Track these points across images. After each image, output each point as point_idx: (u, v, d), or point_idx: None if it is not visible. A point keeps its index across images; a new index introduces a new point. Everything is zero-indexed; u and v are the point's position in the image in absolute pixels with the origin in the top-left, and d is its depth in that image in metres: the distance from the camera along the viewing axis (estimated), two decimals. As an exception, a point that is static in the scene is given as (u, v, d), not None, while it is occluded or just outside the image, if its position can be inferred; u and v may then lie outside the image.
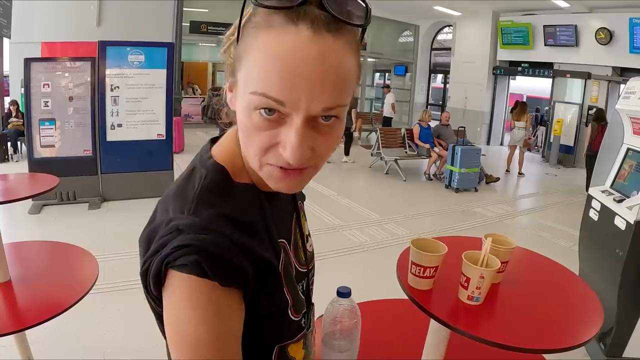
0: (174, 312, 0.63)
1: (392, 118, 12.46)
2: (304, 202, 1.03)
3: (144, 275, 0.65)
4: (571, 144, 11.05)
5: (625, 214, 2.74)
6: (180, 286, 0.61)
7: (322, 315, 1.09)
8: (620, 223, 2.77)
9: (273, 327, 0.74)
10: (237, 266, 0.62)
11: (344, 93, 0.61)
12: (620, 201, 2.86)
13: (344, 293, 1.07)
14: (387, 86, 13.46)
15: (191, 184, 0.70)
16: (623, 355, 2.87)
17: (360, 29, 0.63)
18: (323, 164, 0.68)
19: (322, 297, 1.01)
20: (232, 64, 0.66)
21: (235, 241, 0.63)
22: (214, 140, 0.80)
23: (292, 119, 0.59)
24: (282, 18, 0.57)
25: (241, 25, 0.63)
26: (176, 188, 0.71)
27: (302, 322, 0.83)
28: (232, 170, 0.73)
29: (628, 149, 3.03)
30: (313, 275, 0.96)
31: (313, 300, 0.94)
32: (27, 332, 2.06)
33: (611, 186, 3.08)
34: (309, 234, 0.97)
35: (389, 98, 12.43)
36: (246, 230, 0.67)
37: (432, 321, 1.27)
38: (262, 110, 0.59)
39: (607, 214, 2.95)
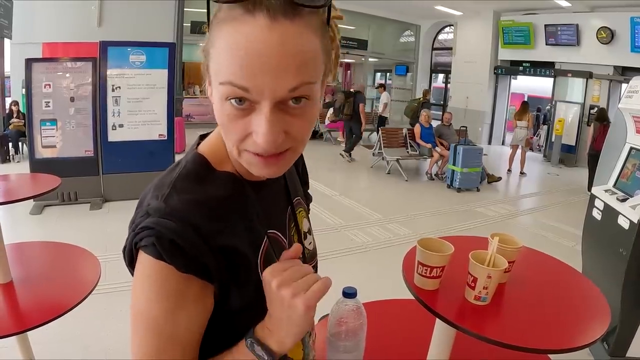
0: (135, 287, 0.68)
1: (386, 117, 12.55)
2: (309, 203, 1.05)
3: (123, 253, 0.70)
4: (573, 143, 11.03)
5: (628, 213, 2.72)
6: (142, 265, 0.67)
7: (326, 315, 1.08)
8: (623, 222, 2.75)
9: (256, 320, 0.73)
10: (195, 255, 0.64)
11: (308, 72, 0.62)
12: (623, 200, 2.85)
13: (349, 293, 1.05)
14: (382, 85, 13.43)
15: (171, 173, 0.73)
16: (626, 355, 2.86)
17: (325, 9, 0.65)
18: (303, 146, 0.70)
19: (325, 298, 1.00)
20: (206, 61, 0.68)
21: (199, 229, 0.65)
22: (203, 137, 0.82)
23: (260, 106, 0.61)
24: (240, 10, 0.59)
25: (210, 23, 0.65)
26: (159, 178, 0.74)
27: None
28: (215, 160, 0.75)
29: (631, 148, 3.02)
30: None
31: None
32: (28, 332, 2.05)
33: (614, 185, 3.07)
34: (309, 232, 0.96)
35: (383, 97, 12.45)
36: (218, 218, 0.69)
37: (438, 321, 1.27)
38: (233, 100, 0.61)
39: (610, 213, 2.93)
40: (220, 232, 0.68)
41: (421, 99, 11.15)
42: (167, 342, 0.68)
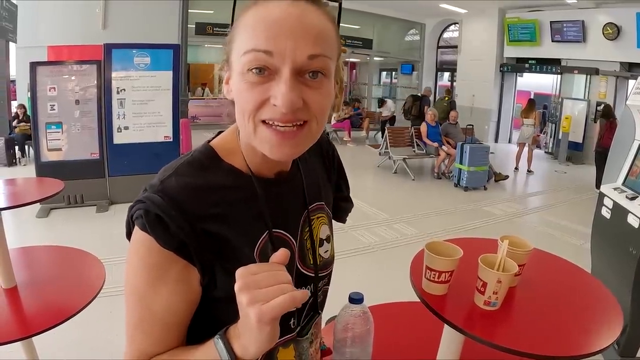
0: (127, 255, 0.73)
1: (395, 116, 12.76)
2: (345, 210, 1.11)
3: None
4: (580, 140, 10.95)
5: (638, 211, 2.69)
6: (134, 235, 0.72)
7: (333, 318, 1.07)
8: (633, 221, 2.72)
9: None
10: (176, 232, 0.68)
11: (326, 46, 0.67)
12: (633, 199, 2.81)
13: (356, 299, 1.04)
14: (383, 101, 13.51)
15: (180, 159, 0.77)
16: (636, 355, 2.82)
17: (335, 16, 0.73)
18: (319, 126, 0.71)
19: (331, 300, 0.98)
20: (227, 53, 0.72)
21: (186, 209, 0.69)
22: (221, 133, 0.85)
23: (280, 73, 0.64)
24: None
25: (234, 13, 0.71)
26: (169, 163, 0.77)
27: (291, 322, 0.83)
28: (224, 152, 0.78)
29: (640, 146, 2.99)
30: (326, 284, 0.93)
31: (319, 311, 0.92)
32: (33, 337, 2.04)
33: (623, 183, 3.03)
34: (328, 239, 0.93)
35: (385, 109, 12.83)
36: (211, 204, 0.72)
37: (447, 327, 1.24)
38: (254, 70, 0.65)
39: (619, 211, 2.89)
40: (210, 217, 0.71)
41: (447, 98, 11.70)
42: (149, 312, 0.72)
